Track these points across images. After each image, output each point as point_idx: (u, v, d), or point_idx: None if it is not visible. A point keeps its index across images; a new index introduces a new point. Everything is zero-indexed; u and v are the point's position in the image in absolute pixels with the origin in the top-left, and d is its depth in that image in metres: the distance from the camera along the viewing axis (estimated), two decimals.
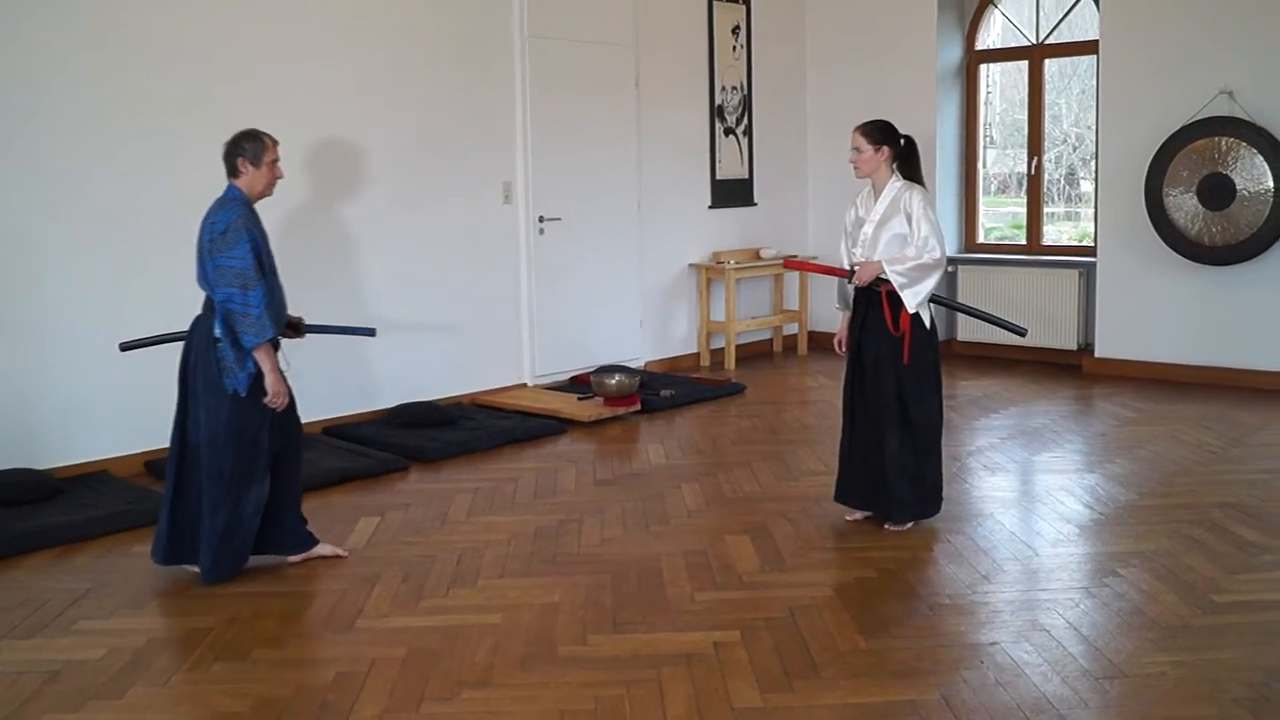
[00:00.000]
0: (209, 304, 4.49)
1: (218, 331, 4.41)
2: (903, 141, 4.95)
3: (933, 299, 4.96)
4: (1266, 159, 7.55)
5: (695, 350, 9.13)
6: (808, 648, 3.80)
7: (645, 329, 8.71)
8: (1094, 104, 8.54)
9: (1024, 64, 9.24)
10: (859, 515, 5.10)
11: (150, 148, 6.08)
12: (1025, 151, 9.26)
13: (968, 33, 9.40)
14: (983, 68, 9.49)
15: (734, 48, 9.21)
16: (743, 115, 9.34)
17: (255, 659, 3.81)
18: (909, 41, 9.26)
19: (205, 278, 4.45)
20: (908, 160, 4.95)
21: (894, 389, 4.90)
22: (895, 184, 4.90)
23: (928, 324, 4.92)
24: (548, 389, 7.89)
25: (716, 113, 9.13)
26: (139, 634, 4.02)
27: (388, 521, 5.26)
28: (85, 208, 5.90)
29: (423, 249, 7.33)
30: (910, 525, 4.98)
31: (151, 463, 6.03)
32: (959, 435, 6.69)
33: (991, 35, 9.47)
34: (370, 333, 5.25)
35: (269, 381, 4.43)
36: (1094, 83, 8.53)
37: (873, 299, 4.92)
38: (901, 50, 9.29)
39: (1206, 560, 4.55)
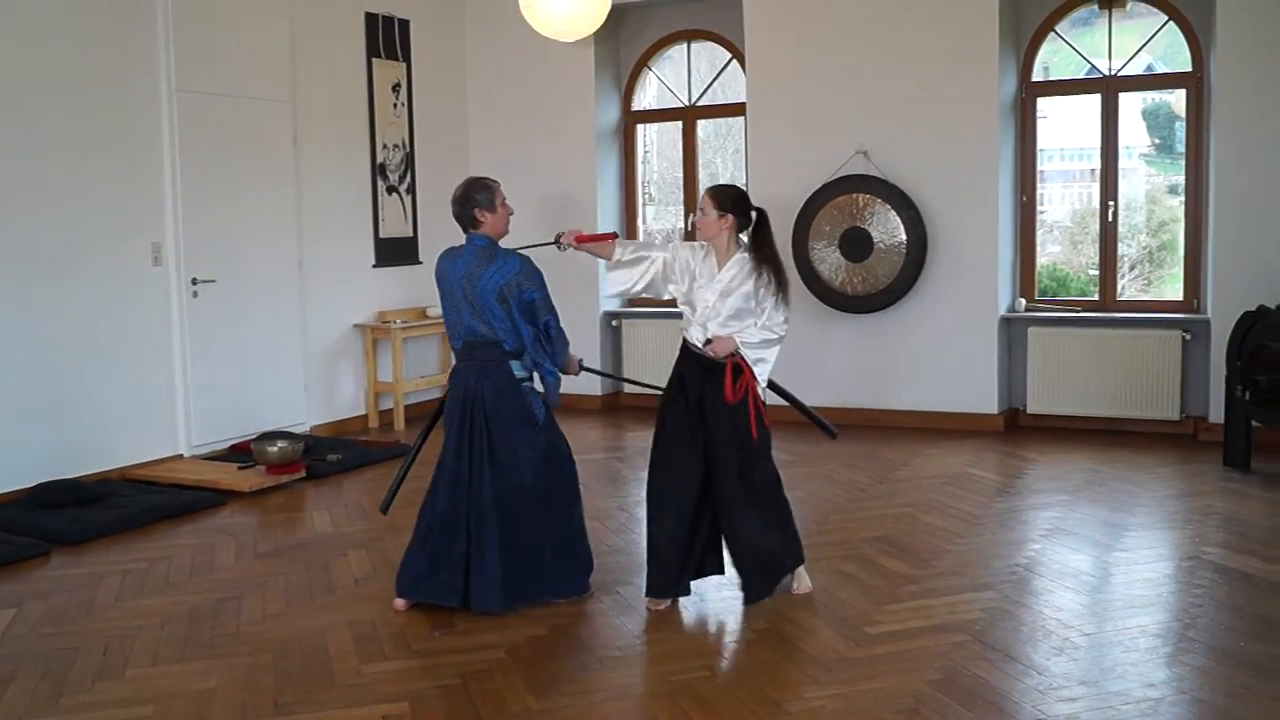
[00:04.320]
0: (485, 351, 4.65)
1: (520, 372, 4.69)
2: (754, 214, 4.76)
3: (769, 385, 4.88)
4: (899, 214, 8.18)
5: (363, 412, 8.90)
6: (479, 713, 3.72)
7: (310, 392, 8.40)
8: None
9: (679, 124, 9.63)
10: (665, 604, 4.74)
11: None
12: (683, 208, 9.63)
13: (624, 94, 9.71)
14: (640, 127, 9.82)
15: (395, 105, 9.12)
16: (405, 173, 9.24)
17: None
18: (568, 102, 9.46)
19: (489, 323, 4.62)
20: (759, 231, 4.75)
21: (738, 463, 4.71)
22: (741, 255, 4.71)
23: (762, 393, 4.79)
24: (206, 459, 7.45)
25: (379, 171, 8.99)
26: None
27: (25, 613, 4.79)
28: None
29: (63, 315, 6.76)
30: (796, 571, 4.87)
31: None
32: (627, 486, 6.81)
33: (647, 97, 9.83)
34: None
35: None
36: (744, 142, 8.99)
37: (714, 375, 4.69)
38: (562, 110, 9.48)
39: (859, 594, 4.80)
